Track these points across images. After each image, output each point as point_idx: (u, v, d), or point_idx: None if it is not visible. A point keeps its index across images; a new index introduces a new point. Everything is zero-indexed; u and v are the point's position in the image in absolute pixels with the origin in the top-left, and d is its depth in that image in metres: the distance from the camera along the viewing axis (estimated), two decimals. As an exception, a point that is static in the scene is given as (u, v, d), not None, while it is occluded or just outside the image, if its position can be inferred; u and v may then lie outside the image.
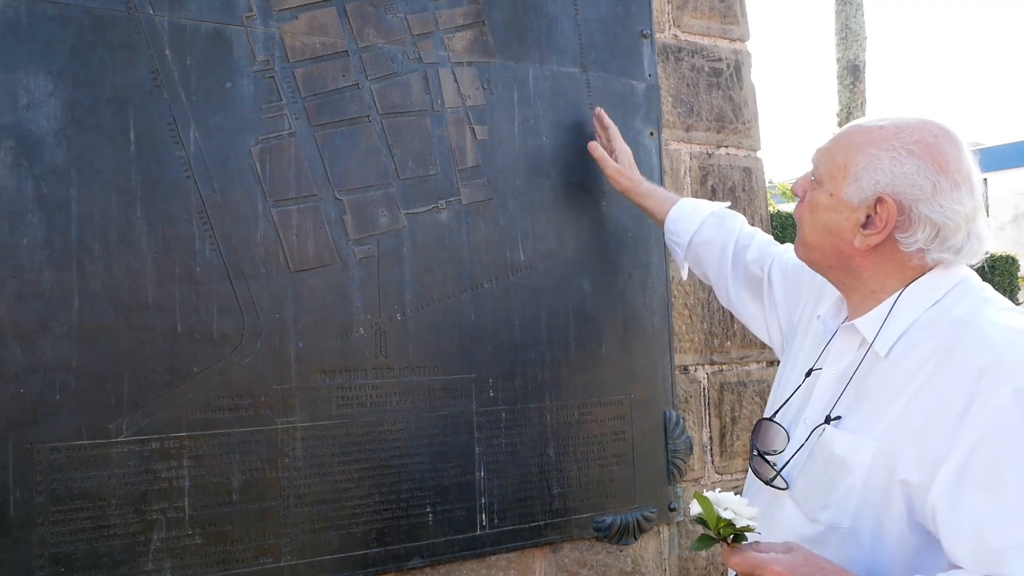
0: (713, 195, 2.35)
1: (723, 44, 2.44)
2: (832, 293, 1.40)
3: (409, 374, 1.85)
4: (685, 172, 2.33)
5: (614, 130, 2.01)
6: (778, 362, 2.45)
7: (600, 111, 2.04)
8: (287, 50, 1.80)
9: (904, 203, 1.19)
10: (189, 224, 1.68)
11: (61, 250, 1.58)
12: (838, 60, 11.74)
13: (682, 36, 2.37)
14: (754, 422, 1.54)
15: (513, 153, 2.02)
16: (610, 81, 2.17)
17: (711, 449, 2.29)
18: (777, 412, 1.41)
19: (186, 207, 1.68)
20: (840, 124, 10.89)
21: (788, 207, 17.74)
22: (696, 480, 2.23)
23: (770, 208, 12.49)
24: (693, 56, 2.37)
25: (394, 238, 1.86)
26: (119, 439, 1.59)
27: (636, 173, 1.97)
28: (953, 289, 1.22)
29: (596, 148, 1.99)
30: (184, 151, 1.69)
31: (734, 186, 2.38)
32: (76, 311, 1.58)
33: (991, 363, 1.09)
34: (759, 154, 2.47)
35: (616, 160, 1.97)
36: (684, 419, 2.18)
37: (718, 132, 2.39)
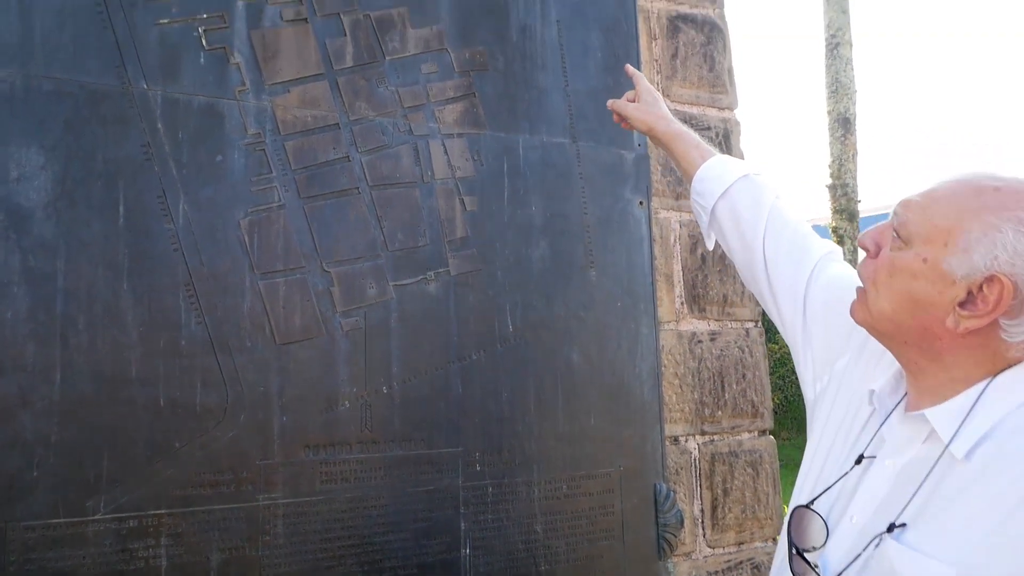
0: (703, 264, 2.35)
1: (712, 112, 2.47)
2: (891, 363, 1.19)
3: (394, 448, 1.83)
4: (675, 240, 2.34)
5: (636, 75, 1.75)
6: (770, 432, 2.45)
7: (629, 67, 1.80)
8: (279, 123, 1.81)
9: (1021, 286, 0.99)
10: (175, 297, 1.67)
11: (45, 323, 1.57)
12: (829, 113, 11.88)
13: (672, 105, 2.40)
14: (790, 510, 1.23)
15: (503, 223, 2.02)
16: (600, 151, 2.19)
17: (703, 522, 2.26)
18: (816, 499, 1.20)
19: (173, 280, 1.67)
20: (833, 175, 10.95)
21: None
22: (687, 555, 2.19)
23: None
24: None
25: (382, 310, 1.85)
26: (96, 517, 1.56)
27: (662, 108, 1.71)
28: None
29: (613, 101, 1.75)
30: (173, 223, 1.69)
31: (723, 254, 2.38)
32: (58, 385, 1.57)
33: None
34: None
35: (640, 97, 1.72)
36: (675, 491, 2.16)
37: (708, 201, 2.40)
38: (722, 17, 2.54)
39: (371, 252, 1.86)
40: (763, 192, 1.51)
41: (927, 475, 1.04)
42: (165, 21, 1.74)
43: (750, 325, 2.41)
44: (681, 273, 2.33)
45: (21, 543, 1.50)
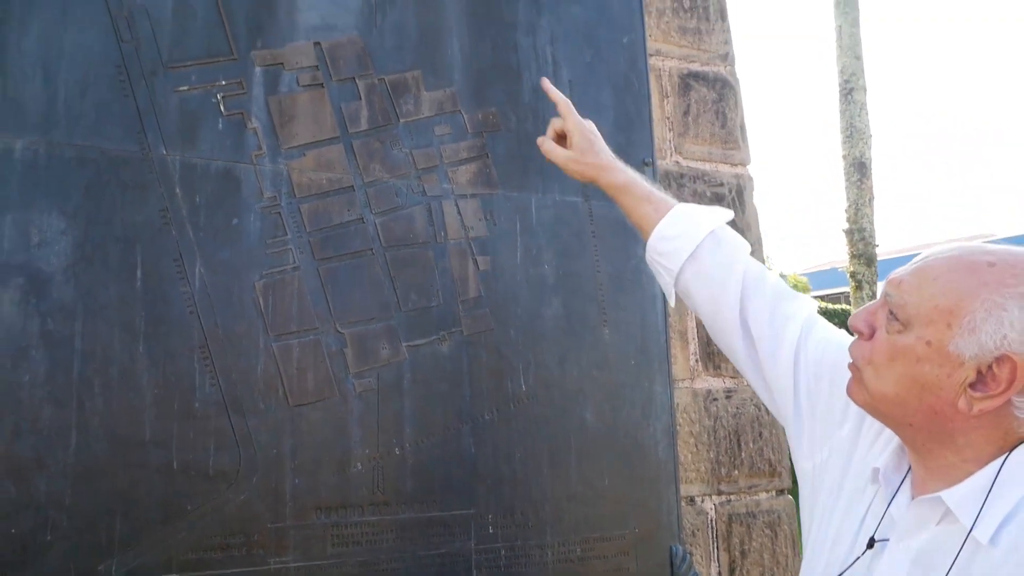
0: (717, 321, 2.35)
1: (724, 169, 2.48)
2: (891, 437, 1.15)
3: (406, 510, 1.82)
4: (689, 296, 2.33)
5: (564, 105, 1.53)
6: (788, 491, 2.41)
7: (545, 81, 1.58)
8: (294, 186, 1.84)
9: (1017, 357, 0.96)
10: (190, 359, 1.69)
11: (62, 386, 1.59)
12: (844, 158, 11.89)
13: (684, 162, 2.42)
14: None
15: (515, 282, 2.03)
16: (612, 208, 2.18)
17: (719, 584, 2.22)
18: None
19: (188, 342, 1.69)
20: (850, 220, 10.92)
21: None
22: (704, 617, 2.15)
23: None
24: (695, 182, 2.41)
25: (395, 370, 1.86)
26: (108, 582, 1.56)
27: (601, 157, 1.52)
28: None
29: (543, 141, 1.57)
30: (189, 287, 1.71)
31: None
32: (73, 448, 1.58)
33: None
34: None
35: (572, 141, 1.53)
36: (691, 554, 2.13)
37: (721, 257, 2.40)
38: (733, 74, 2.56)
39: (384, 313, 1.87)
40: (735, 250, 1.39)
41: (952, 563, 0.99)
42: (184, 88, 1.79)
43: (766, 381, 2.39)
44: (695, 330, 2.33)
45: (32, 609, 1.50)
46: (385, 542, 1.78)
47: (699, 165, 2.45)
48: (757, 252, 2.48)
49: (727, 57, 2.56)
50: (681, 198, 2.37)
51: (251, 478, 1.69)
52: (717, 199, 2.43)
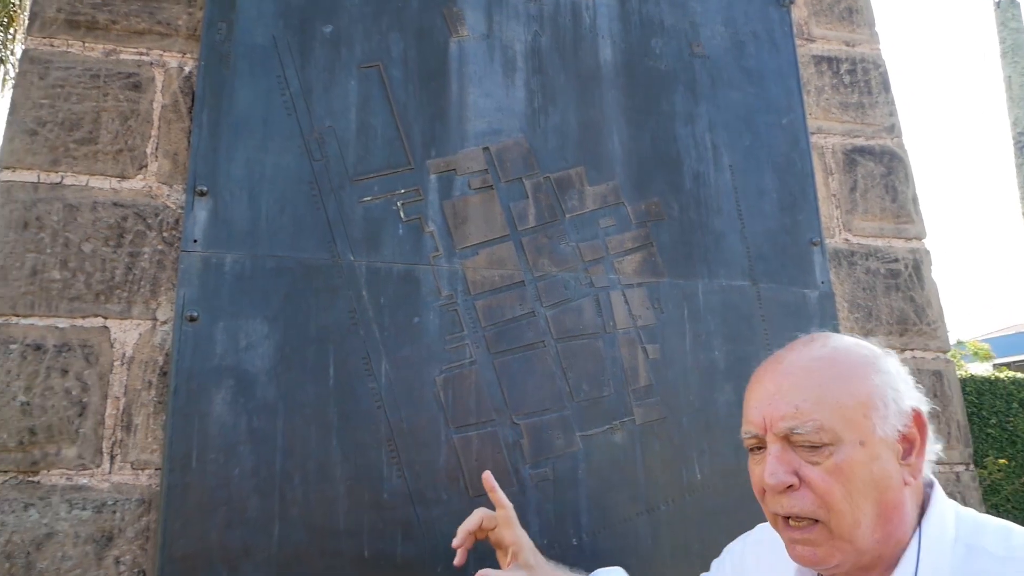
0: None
1: (898, 244, 2.39)
2: (778, 568, 1.14)
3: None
4: (868, 378, 2.24)
5: (506, 513, 1.54)
6: None
7: (488, 477, 1.56)
8: (469, 284, 1.94)
9: (921, 408, 1.04)
10: (379, 452, 1.79)
11: (266, 479, 1.72)
12: (1026, 215, 11.08)
13: (854, 240, 2.35)
14: None
15: (685, 369, 2.03)
16: (781, 291, 2.17)
17: None
18: None
19: (376, 436, 1.79)
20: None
21: (980, 368, 16.33)
22: None
23: (961, 373, 11.54)
24: (867, 259, 2.34)
25: (569, 460, 1.89)
26: (308, 668, 1.64)
27: (558, 570, 1.56)
28: (948, 508, 1.02)
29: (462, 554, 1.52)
30: (376, 383, 1.82)
31: (925, 391, 2.25)
32: (276, 537, 1.70)
33: None
34: (949, 355, 2.34)
35: (520, 557, 1.52)
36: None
37: (901, 335, 2.30)
38: (901, 146, 2.49)
39: (557, 403, 1.92)
40: None
41: None
42: (368, 199, 1.94)
43: (960, 468, 2.23)
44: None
45: None
46: (566, 635, 1.78)
47: (870, 242, 2.37)
48: (939, 329, 2.35)
49: (893, 129, 2.49)
50: (853, 277, 2.31)
51: (435, 567, 1.75)
52: (892, 275, 2.34)
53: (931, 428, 1.04)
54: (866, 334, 2.23)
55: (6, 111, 1.87)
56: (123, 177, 1.89)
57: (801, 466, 0.99)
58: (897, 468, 0.99)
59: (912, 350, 2.30)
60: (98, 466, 1.71)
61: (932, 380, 2.28)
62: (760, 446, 1.07)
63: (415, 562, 1.75)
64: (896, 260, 2.36)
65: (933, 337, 2.33)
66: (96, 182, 1.88)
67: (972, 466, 2.24)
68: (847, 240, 2.35)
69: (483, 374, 1.89)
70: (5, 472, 1.66)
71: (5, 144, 1.85)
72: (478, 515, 1.52)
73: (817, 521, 0.99)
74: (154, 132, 1.94)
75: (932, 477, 1.05)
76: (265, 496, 1.71)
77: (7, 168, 1.83)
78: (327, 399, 1.79)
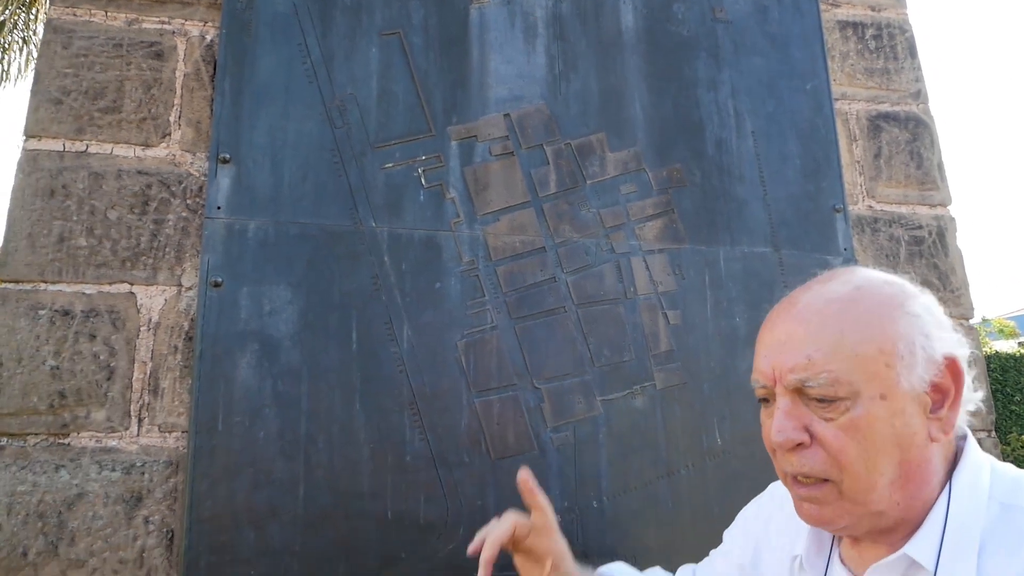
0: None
1: (923, 211, 2.37)
2: (792, 527, 1.06)
3: (606, 562, 1.83)
4: (890, 345, 2.23)
5: (545, 513, 1.29)
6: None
7: (524, 474, 1.28)
8: (490, 250, 1.95)
9: (956, 354, 0.90)
10: (401, 416, 1.81)
11: (291, 442, 1.74)
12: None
13: (877, 206, 2.33)
14: None
15: (706, 336, 2.03)
16: (804, 258, 2.16)
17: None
18: None
19: (398, 400, 1.81)
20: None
21: (1005, 345, 16.16)
22: None
23: (987, 350, 11.42)
24: (891, 226, 2.32)
25: (590, 425, 1.90)
26: (334, 626, 1.67)
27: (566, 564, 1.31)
28: (983, 462, 0.92)
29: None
30: (398, 347, 1.84)
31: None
32: (302, 499, 1.72)
33: None
34: (972, 322, 2.32)
35: (561, 568, 1.30)
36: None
37: (924, 302, 2.28)
38: (927, 112, 2.46)
39: (578, 368, 1.92)
40: None
41: None
42: (390, 165, 1.95)
43: (982, 435, 2.22)
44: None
45: (270, 648, 1.63)
46: (587, 596, 1.80)
47: (894, 208, 2.35)
48: (963, 297, 2.33)
49: (919, 95, 2.46)
50: (876, 244, 2.29)
51: (458, 528, 1.77)
52: (916, 243, 2.32)
53: (969, 376, 0.91)
54: (889, 301, 2.22)
55: (29, 91, 1.89)
56: (147, 145, 1.91)
57: (813, 422, 0.90)
58: (923, 423, 0.88)
59: (936, 317, 2.28)
60: (126, 429, 1.74)
61: (956, 347, 2.26)
62: (770, 397, 0.96)
63: (438, 523, 1.77)
64: (920, 227, 2.34)
65: (957, 304, 2.31)
66: (120, 150, 1.89)
67: (994, 432, 2.23)
68: (870, 207, 2.33)
69: (504, 339, 1.90)
70: (36, 434, 1.70)
71: (30, 113, 1.87)
72: (509, 521, 1.24)
73: (828, 480, 0.90)
74: (177, 100, 1.95)
75: (966, 429, 0.95)
76: (290, 458, 1.74)
77: (33, 137, 1.86)
78: (350, 363, 1.81)
